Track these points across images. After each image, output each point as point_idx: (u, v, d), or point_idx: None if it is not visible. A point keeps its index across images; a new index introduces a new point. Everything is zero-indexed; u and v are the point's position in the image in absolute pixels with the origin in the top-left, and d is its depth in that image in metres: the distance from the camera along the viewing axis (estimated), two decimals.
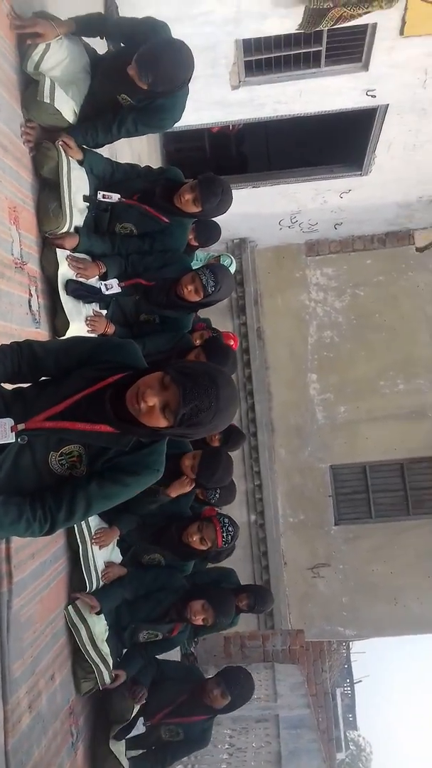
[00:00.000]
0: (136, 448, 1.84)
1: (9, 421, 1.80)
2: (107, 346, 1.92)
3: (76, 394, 1.82)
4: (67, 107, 3.19)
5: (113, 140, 3.43)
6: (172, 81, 3.11)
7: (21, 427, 1.81)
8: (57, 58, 3.12)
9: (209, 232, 4.06)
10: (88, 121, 3.30)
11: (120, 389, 1.77)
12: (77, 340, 2.09)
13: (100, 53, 3.44)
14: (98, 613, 3.30)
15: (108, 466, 1.85)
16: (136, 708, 3.50)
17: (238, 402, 1.79)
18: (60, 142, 3.16)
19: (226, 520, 3.72)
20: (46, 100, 3.04)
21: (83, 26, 3.18)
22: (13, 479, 1.83)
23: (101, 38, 3.34)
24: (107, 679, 3.29)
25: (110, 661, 3.31)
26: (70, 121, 3.21)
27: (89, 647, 3.23)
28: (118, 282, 3.50)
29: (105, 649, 3.28)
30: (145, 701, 3.63)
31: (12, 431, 1.80)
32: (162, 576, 3.70)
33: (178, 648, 4.98)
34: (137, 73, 3.02)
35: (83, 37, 3.32)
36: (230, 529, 3.69)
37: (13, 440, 1.80)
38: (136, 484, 1.88)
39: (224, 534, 3.66)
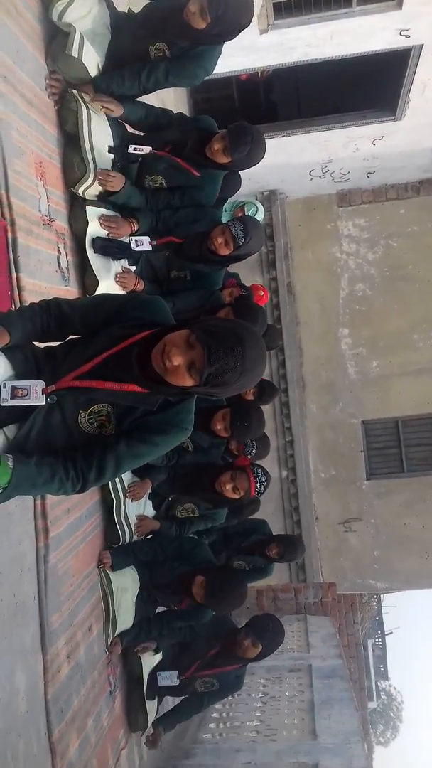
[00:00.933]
0: (163, 407, 1.82)
1: (40, 383, 1.80)
2: (134, 303, 1.88)
3: (103, 353, 1.80)
4: (93, 62, 3.13)
5: (139, 91, 3.34)
6: (233, 23, 3.04)
7: (51, 388, 1.81)
8: (81, 11, 3.05)
9: (225, 180, 3.95)
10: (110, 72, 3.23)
11: (146, 347, 1.75)
12: (104, 298, 2.07)
13: (120, 10, 3.34)
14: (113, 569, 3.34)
15: (136, 426, 1.84)
16: (153, 662, 3.55)
17: (266, 360, 1.75)
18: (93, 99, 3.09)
19: (259, 470, 3.73)
20: (75, 54, 2.99)
21: None
22: (44, 438, 1.84)
23: None
24: (111, 634, 3.28)
25: (125, 621, 3.33)
26: (93, 76, 3.14)
27: (109, 601, 3.27)
28: (149, 240, 3.46)
29: (123, 608, 3.31)
30: (174, 657, 3.69)
31: (43, 393, 1.80)
32: (186, 546, 3.67)
33: None
34: (205, 7, 2.92)
35: None
36: (263, 479, 3.71)
37: (44, 403, 1.80)
38: (165, 443, 1.87)
39: (257, 483, 3.67)
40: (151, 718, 3.49)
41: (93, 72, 3.13)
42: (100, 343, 1.82)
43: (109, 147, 3.31)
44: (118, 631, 3.30)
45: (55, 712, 2.56)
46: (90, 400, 1.82)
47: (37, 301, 1.94)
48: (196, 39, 3.13)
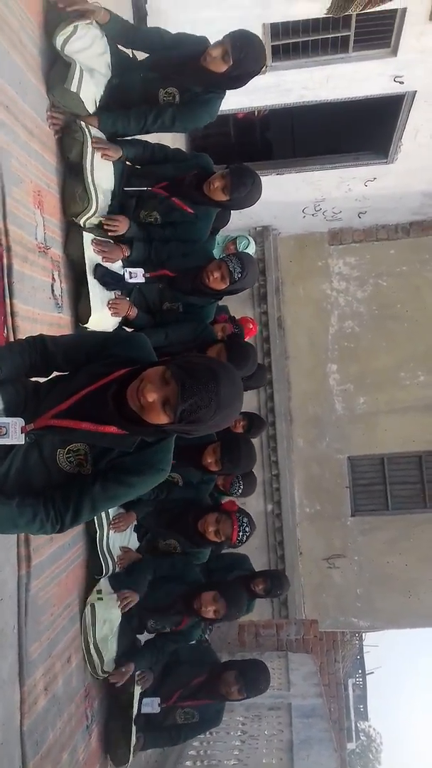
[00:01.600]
0: (140, 448, 1.82)
1: (20, 422, 1.80)
2: (116, 340, 1.91)
3: (81, 391, 1.80)
4: (91, 98, 3.20)
5: (143, 132, 3.44)
6: (250, 67, 3.21)
7: (30, 426, 1.81)
8: (83, 43, 3.10)
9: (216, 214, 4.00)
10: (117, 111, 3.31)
11: (123, 386, 1.75)
12: (86, 335, 2.09)
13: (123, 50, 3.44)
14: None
15: (112, 466, 1.83)
16: (139, 690, 3.51)
17: (243, 398, 1.76)
18: (94, 144, 3.16)
19: (245, 520, 3.71)
20: (73, 89, 3.05)
21: (115, 26, 3.22)
22: (23, 477, 1.84)
23: (125, 46, 3.36)
24: (99, 672, 3.26)
25: (109, 651, 3.29)
26: (89, 112, 3.21)
27: (89, 633, 3.23)
28: (143, 272, 3.49)
29: (106, 638, 3.27)
30: (157, 684, 3.65)
31: (22, 432, 1.79)
32: (178, 566, 3.69)
33: None
34: (228, 50, 3.09)
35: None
36: (247, 529, 3.70)
37: (23, 442, 1.80)
38: (141, 483, 1.86)
39: (240, 533, 3.66)
40: (133, 745, 3.43)
41: (90, 107, 3.19)
42: (80, 381, 1.83)
43: (111, 189, 3.38)
44: (106, 662, 3.25)
45: (30, 744, 2.50)
46: (66, 440, 1.83)
47: (23, 338, 1.96)
48: (213, 83, 3.28)
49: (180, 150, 3.73)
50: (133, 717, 3.42)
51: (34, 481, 1.84)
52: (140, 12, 5.14)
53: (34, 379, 1.99)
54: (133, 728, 3.41)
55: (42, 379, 1.98)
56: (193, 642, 4.08)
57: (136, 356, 1.85)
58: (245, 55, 3.13)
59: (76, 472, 1.84)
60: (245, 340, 4.67)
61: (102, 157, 3.24)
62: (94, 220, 3.30)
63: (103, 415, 1.77)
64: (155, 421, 1.65)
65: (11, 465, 1.81)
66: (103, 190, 3.31)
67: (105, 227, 3.26)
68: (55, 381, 1.94)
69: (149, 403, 1.62)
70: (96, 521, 3.32)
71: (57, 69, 3.07)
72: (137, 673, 3.47)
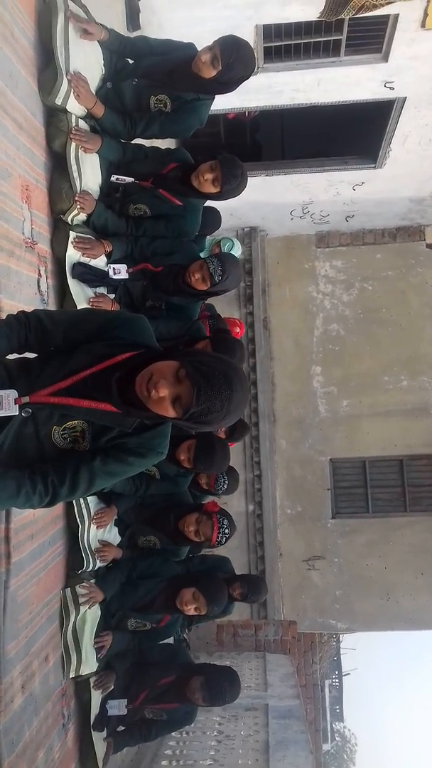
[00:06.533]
0: (140, 430, 1.82)
1: (13, 393, 1.78)
2: (118, 322, 1.88)
3: (83, 371, 1.79)
4: (80, 111, 3.22)
5: (132, 137, 3.46)
6: (240, 72, 3.23)
7: (25, 399, 1.79)
8: (81, 55, 3.13)
9: (206, 218, 3.99)
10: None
11: (129, 371, 1.75)
12: (87, 313, 2.06)
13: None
14: (101, 602, 3.31)
15: (113, 445, 1.84)
16: (99, 694, 3.46)
17: (248, 399, 1.79)
18: (72, 134, 3.17)
19: (225, 522, 3.69)
20: (59, 102, 3.08)
21: (112, 40, 3.28)
22: (14, 451, 1.82)
23: (124, 57, 3.40)
24: (73, 673, 3.21)
25: (90, 653, 3.27)
26: (78, 115, 3.22)
27: (69, 635, 3.20)
28: (126, 268, 3.48)
29: (87, 638, 3.25)
30: (124, 685, 3.61)
31: (15, 404, 1.78)
32: (156, 564, 3.68)
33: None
34: (218, 55, 3.11)
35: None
36: (227, 531, 3.68)
37: (17, 413, 1.78)
38: (140, 464, 1.88)
39: (220, 535, 3.65)
40: (100, 756, 3.39)
41: (78, 113, 3.22)
42: (80, 360, 1.81)
43: (99, 185, 3.38)
44: (83, 665, 3.22)
45: (6, 743, 2.49)
46: (64, 416, 1.82)
47: (15, 314, 1.91)
48: (203, 89, 3.30)
49: (157, 147, 3.74)
50: (92, 723, 3.36)
51: (25, 454, 1.83)
52: (133, 9, 5.12)
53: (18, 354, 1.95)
54: (93, 735, 3.34)
55: (29, 355, 1.95)
56: (169, 641, 4.06)
57: (140, 340, 1.85)
58: (234, 60, 3.15)
59: (70, 448, 1.84)
60: None
61: (81, 149, 3.22)
62: (82, 217, 3.28)
63: (103, 397, 1.78)
64: (161, 413, 1.67)
65: (5, 440, 1.80)
66: (91, 187, 3.29)
67: (76, 247, 3.23)
68: (48, 356, 1.91)
69: (160, 398, 1.64)
70: (77, 515, 3.30)
71: (49, 73, 3.05)
72: (93, 678, 3.39)
